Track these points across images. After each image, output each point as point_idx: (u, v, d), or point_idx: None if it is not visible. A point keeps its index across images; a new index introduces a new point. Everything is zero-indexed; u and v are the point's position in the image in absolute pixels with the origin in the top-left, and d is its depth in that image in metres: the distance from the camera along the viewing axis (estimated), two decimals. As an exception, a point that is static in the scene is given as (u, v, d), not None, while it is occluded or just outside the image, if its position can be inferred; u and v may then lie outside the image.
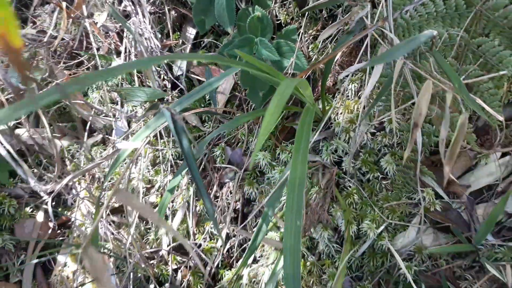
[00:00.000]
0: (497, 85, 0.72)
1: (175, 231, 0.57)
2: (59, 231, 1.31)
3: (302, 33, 1.10)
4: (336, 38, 1.13)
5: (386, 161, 0.98)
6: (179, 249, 1.13)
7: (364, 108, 1.01)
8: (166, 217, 1.14)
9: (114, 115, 1.20)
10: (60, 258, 1.22)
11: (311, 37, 1.19)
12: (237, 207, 1.15)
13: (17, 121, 1.21)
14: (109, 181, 1.18)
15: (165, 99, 1.15)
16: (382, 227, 0.96)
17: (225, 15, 0.99)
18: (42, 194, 1.25)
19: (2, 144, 0.89)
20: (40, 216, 1.28)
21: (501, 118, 0.61)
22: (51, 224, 1.30)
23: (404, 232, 0.96)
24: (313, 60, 1.14)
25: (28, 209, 1.28)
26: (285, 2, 1.19)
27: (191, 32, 1.27)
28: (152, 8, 1.26)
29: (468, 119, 0.60)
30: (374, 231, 0.96)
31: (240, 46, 0.98)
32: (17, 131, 1.24)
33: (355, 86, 1.07)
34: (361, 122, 0.90)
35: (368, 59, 0.80)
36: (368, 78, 0.86)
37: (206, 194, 0.65)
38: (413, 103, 0.78)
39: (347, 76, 1.01)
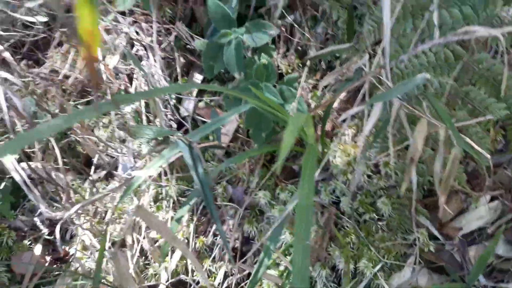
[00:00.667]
0: (484, 130, 0.78)
1: (187, 250, 0.60)
2: (55, 265, 1.32)
3: (302, 82, 1.18)
4: (334, 87, 1.21)
5: (382, 203, 1.02)
6: (178, 285, 1.14)
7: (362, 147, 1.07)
8: (166, 254, 1.16)
9: (120, 152, 1.24)
10: (56, 292, 1.22)
11: (310, 86, 1.27)
12: (236, 246, 1.18)
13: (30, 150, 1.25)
14: (112, 216, 1.21)
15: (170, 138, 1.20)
16: (378, 267, 0.99)
17: (233, 61, 1.07)
18: (41, 227, 1.27)
19: (16, 169, 0.93)
20: (38, 249, 1.28)
21: (489, 156, 0.67)
22: (48, 258, 1.31)
23: (399, 272, 0.99)
24: (312, 107, 1.22)
25: (26, 242, 1.29)
26: (286, 54, 1.28)
27: (197, 77, 1.35)
28: (163, 53, 1.34)
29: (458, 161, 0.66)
30: (370, 270, 0.99)
31: (247, 90, 1.06)
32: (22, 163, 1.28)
33: (352, 131, 1.14)
34: (359, 162, 0.95)
35: (366, 102, 0.87)
36: (366, 120, 0.93)
37: (218, 218, 0.69)
38: (407, 146, 0.84)
39: (344, 120, 1.08)
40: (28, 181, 0.93)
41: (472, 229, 1.01)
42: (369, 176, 1.07)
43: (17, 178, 0.92)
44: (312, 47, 1.23)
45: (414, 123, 0.83)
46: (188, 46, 1.38)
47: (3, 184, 1.26)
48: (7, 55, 1.20)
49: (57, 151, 0.96)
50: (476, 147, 0.65)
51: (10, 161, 0.91)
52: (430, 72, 0.83)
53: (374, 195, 1.07)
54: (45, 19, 1.15)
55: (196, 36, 1.34)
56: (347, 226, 1.06)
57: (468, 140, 0.66)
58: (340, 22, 1.19)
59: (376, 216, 1.05)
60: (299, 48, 1.28)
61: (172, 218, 1.17)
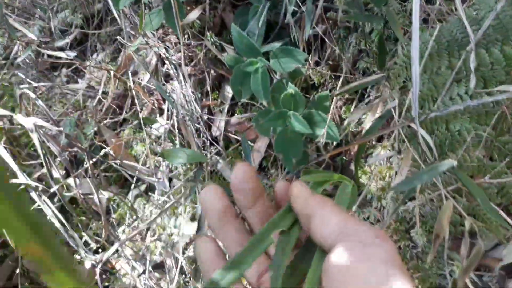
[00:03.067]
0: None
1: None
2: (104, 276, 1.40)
3: (332, 105, 1.14)
4: (367, 96, 1.17)
5: (417, 233, 1.00)
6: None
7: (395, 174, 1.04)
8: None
9: (155, 173, 1.28)
10: (106, 305, 1.31)
11: (344, 99, 1.23)
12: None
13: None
14: (152, 235, 1.26)
15: (203, 164, 1.22)
16: (412, 297, 0.99)
17: (260, 90, 1.05)
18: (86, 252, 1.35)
19: (52, 210, 0.98)
20: (88, 264, 1.37)
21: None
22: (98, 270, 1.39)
23: (434, 303, 0.99)
24: (345, 123, 1.18)
25: (77, 257, 1.38)
26: (318, 66, 1.24)
27: (229, 91, 1.34)
28: (193, 69, 1.33)
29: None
30: (404, 301, 0.98)
31: (275, 119, 1.04)
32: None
33: (387, 152, 1.10)
34: (389, 203, 0.93)
35: (396, 146, 0.84)
36: (395, 170, 0.90)
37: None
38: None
39: (374, 156, 1.05)
40: (66, 224, 0.98)
41: (513, 261, 0.97)
42: (404, 203, 1.04)
43: (56, 223, 0.97)
44: (344, 61, 1.18)
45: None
46: (219, 57, 1.37)
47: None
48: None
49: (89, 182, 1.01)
50: (509, 220, 0.61)
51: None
52: (465, 118, 0.78)
53: (410, 221, 1.05)
54: (74, 53, 1.16)
55: (226, 45, 1.32)
56: (381, 253, 1.05)
57: (500, 212, 0.62)
58: (373, 34, 1.13)
59: (411, 244, 1.03)
60: (330, 61, 1.23)
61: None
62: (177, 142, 1.30)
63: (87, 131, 1.32)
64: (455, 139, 0.78)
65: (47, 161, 0.90)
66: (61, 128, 0.93)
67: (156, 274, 1.19)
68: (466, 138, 0.76)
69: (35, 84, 1.03)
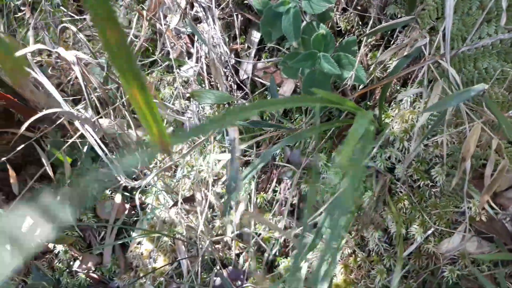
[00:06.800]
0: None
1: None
2: (133, 211, 1.49)
3: (361, 50, 1.17)
4: (393, 42, 1.19)
5: (437, 172, 1.05)
6: (242, 236, 1.27)
7: (418, 119, 1.08)
8: (231, 207, 1.27)
9: (185, 112, 1.33)
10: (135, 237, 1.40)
11: (370, 45, 1.25)
12: (293, 202, 1.27)
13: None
14: (181, 172, 1.33)
15: (231, 102, 1.26)
16: (429, 232, 1.05)
17: (291, 30, 1.08)
18: (120, 179, 1.42)
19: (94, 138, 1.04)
20: (118, 198, 1.45)
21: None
22: (127, 206, 1.48)
23: (449, 238, 1.05)
24: (371, 69, 1.21)
25: (108, 192, 1.47)
26: (346, 12, 1.26)
27: (255, 36, 1.37)
28: (221, 13, 1.36)
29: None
30: (421, 235, 1.05)
31: (305, 59, 1.07)
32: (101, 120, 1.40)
33: (410, 97, 1.13)
34: (416, 138, 0.97)
35: (424, 84, 0.87)
36: (423, 105, 0.93)
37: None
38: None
39: (403, 92, 1.08)
40: (108, 152, 1.04)
41: (527, 200, 1.02)
42: (425, 145, 1.08)
43: (92, 142, 1.02)
44: (373, 6, 1.19)
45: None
46: (246, 2, 1.39)
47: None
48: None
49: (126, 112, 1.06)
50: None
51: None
52: (493, 56, 0.81)
53: (430, 162, 1.10)
54: None
55: (253, -10, 1.33)
56: (400, 192, 1.11)
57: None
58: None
59: (430, 183, 1.08)
60: (359, 6, 1.24)
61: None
62: (205, 84, 1.35)
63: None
64: (482, 77, 0.81)
65: (88, 92, 0.95)
66: (101, 60, 0.97)
67: (186, 207, 1.27)
68: (493, 75, 0.80)
69: (77, 17, 1.06)
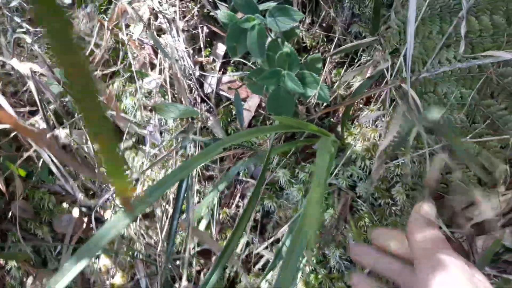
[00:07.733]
0: (501, 145, 0.80)
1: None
2: (91, 225, 1.44)
3: (325, 69, 1.17)
4: (357, 61, 1.21)
5: (397, 191, 1.07)
6: (203, 253, 1.25)
7: (380, 137, 1.10)
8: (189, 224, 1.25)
9: (146, 125, 1.30)
10: (94, 252, 1.35)
11: (335, 62, 1.26)
12: (256, 218, 1.26)
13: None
14: (141, 187, 1.29)
15: (194, 119, 1.24)
16: (389, 250, 1.06)
17: (256, 47, 1.07)
18: (76, 194, 1.37)
19: (52, 160, 1.00)
20: (75, 212, 1.40)
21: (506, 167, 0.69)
22: (85, 219, 1.43)
23: (408, 256, 1.06)
24: (335, 85, 1.22)
25: (65, 205, 1.41)
26: (311, 28, 1.26)
27: (221, 49, 1.35)
28: (186, 25, 1.34)
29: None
30: (381, 253, 1.06)
31: (269, 77, 1.07)
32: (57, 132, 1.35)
33: (376, 112, 1.15)
34: (377, 159, 0.98)
35: (386, 107, 0.88)
36: (384, 131, 0.94)
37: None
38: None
39: (366, 114, 1.09)
40: (63, 170, 1.00)
41: (483, 220, 1.05)
42: (386, 163, 1.10)
43: (53, 169, 0.99)
44: (338, 24, 1.21)
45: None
46: (212, 14, 1.37)
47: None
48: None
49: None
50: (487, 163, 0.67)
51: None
52: (452, 82, 0.82)
53: (391, 181, 1.11)
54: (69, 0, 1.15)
55: (219, 2, 1.32)
56: (361, 209, 1.12)
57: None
58: (368, -1, 1.16)
59: (391, 201, 1.10)
60: (324, 24, 1.25)
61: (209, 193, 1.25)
62: (168, 97, 1.32)
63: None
64: (442, 102, 0.83)
65: (43, 107, 0.91)
66: (58, 75, 0.93)
67: (146, 223, 1.23)
68: (452, 100, 0.81)
69: (31, 29, 1.02)
